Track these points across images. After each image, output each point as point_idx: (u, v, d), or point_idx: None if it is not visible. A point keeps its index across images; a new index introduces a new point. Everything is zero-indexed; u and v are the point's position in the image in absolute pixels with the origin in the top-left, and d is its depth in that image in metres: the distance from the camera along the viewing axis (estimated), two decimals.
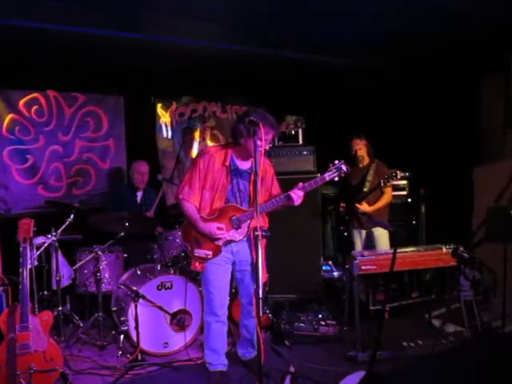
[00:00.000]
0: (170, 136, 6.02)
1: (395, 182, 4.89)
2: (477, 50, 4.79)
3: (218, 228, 3.15)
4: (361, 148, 4.70)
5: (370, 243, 4.60)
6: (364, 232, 4.67)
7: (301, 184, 3.16)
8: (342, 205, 4.69)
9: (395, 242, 3.48)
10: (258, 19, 4.20)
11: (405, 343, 3.79)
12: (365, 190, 4.43)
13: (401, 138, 5.24)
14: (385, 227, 4.44)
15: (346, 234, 4.79)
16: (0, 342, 3.04)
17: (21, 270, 3.12)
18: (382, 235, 4.53)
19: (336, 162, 3.20)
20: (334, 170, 3.18)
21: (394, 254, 2.94)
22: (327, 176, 3.18)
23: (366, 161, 4.72)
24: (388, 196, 4.53)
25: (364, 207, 4.40)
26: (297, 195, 3.13)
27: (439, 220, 5.24)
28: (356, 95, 5.83)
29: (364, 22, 4.23)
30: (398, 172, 4.24)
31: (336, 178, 3.20)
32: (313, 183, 3.17)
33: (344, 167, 3.17)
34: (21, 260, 3.16)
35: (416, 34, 4.46)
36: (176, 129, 6.06)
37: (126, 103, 5.72)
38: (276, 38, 4.72)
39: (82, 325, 4.14)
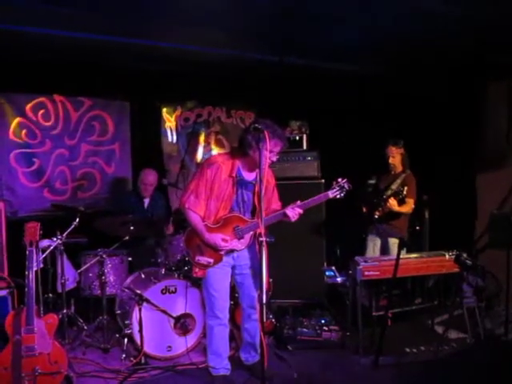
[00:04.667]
0: (175, 141, 6.05)
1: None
2: (479, 55, 4.80)
3: (223, 240, 3.19)
4: (394, 156, 4.62)
5: (385, 252, 4.59)
6: (379, 241, 4.66)
7: (298, 201, 3.19)
8: (365, 208, 4.65)
9: (399, 250, 3.48)
10: (262, 26, 4.24)
11: (407, 349, 3.81)
12: (384, 196, 4.40)
13: (404, 144, 5.24)
14: (393, 236, 4.45)
15: (363, 235, 4.77)
16: (5, 344, 3.07)
17: (27, 273, 3.15)
18: (395, 244, 4.51)
19: (339, 179, 3.25)
20: (337, 188, 3.23)
21: (397, 260, 2.95)
22: (330, 194, 3.25)
23: (398, 169, 4.63)
24: (409, 207, 4.48)
25: (393, 204, 4.35)
26: (293, 213, 3.16)
27: (443, 226, 5.23)
28: (359, 101, 5.85)
29: (366, 28, 4.26)
30: (405, 189, 4.22)
31: (338, 196, 3.25)
32: (311, 201, 3.21)
33: (346, 185, 3.23)
34: (27, 263, 3.19)
35: (417, 40, 4.47)
36: (181, 133, 6.08)
37: (131, 108, 5.75)
38: (280, 44, 4.75)
39: (86, 328, 4.17)
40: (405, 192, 4.20)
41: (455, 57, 4.88)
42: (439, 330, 4.19)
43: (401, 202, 4.38)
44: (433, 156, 5.51)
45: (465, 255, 3.50)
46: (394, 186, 4.46)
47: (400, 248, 3.51)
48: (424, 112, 5.58)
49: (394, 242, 4.53)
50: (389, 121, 5.62)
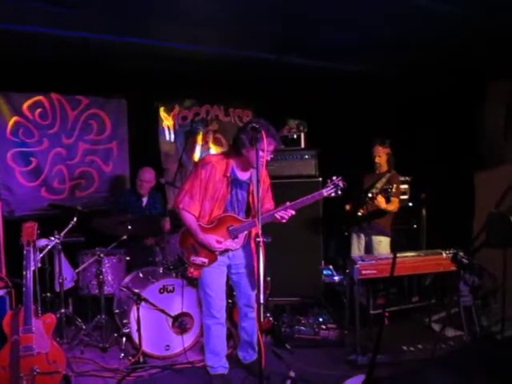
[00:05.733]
0: (172, 139, 6.05)
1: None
2: (479, 55, 4.81)
3: (217, 241, 3.20)
4: (381, 155, 4.63)
5: (369, 251, 4.61)
6: (363, 239, 4.68)
7: (288, 203, 3.20)
8: (349, 206, 4.68)
9: (394, 248, 3.50)
10: (260, 24, 4.23)
11: (404, 347, 3.82)
12: (370, 195, 4.41)
13: (401, 143, 5.25)
14: (384, 234, 4.47)
15: (346, 233, 4.80)
16: (4, 343, 3.08)
17: (24, 272, 3.15)
18: (382, 243, 4.55)
19: (334, 178, 3.26)
20: (332, 186, 3.24)
21: (394, 258, 2.96)
22: (325, 192, 3.26)
23: (384, 169, 4.65)
24: (394, 206, 4.49)
25: (381, 201, 4.34)
26: (280, 215, 3.17)
27: (440, 224, 5.26)
28: (357, 100, 5.86)
29: (364, 28, 4.26)
30: (394, 187, 4.23)
31: (333, 194, 3.25)
32: (303, 201, 3.20)
33: (341, 183, 3.24)
34: (24, 263, 3.19)
35: (417, 39, 4.48)
36: (179, 132, 6.08)
37: (128, 106, 5.76)
38: (278, 43, 4.75)
39: (84, 327, 4.17)
40: (394, 190, 4.21)
41: (455, 57, 4.89)
42: (436, 327, 4.21)
43: (387, 201, 4.40)
44: (431, 154, 5.53)
45: (462, 254, 3.51)
46: (378, 185, 4.46)
47: (394, 246, 3.51)
48: (422, 111, 5.59)
49: (379, 241, 4.55)
50: (387, 120, 5.63)
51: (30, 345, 3.07)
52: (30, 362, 3.04)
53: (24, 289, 3.13)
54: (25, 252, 3.22)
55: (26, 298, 3.10)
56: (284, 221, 3.19)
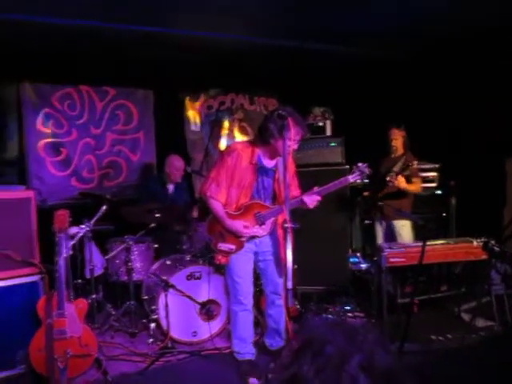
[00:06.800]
0: (198, 128, 6.09)
1: (424, 174, 4.84)
2: (507, 38, 4.66)
3: (245, 227, 3.22)
4: (397, 138, 4.63)
5: (390, 235, 4.56)
6: (385, 226, 4.63)
7: (315, 188, 3.18)
8: (366, 193, 4.65)
9: (423, 235, 3.45)
10: (284, 11, 4.19)
11: (433, 336, 3.78)
12: (387, 179, 4.36)
13: (430, 129, 5.15)
14: (413, 220, 4.40)
15: (368, 222, 4.77)
16: (38, 327, 3.17)
17: (57, 259, 3.23)
18: (404, 227, 4.49)
19: (360, 164, 3.22)
20: (358, 173, 3.21)
21: (424, 246, 2.92)
22: (351, 178, 3.22)
23: (399, 152, 4.64)
24: (416, 186, 4.46)
25: (401, 181, 4.31)
26: (310, 199, 3.15)
27: (470, 212, 5.15)
28: (383, 86, 5.76)
29: (390, 9, 4.17)
30: (413, 163, 4.18)
31: (359, 181, 3.23)
32: (330, 187, 3.19)
33: (367, 170, 3.20)
34: (57, 249, 3.26)
35: (443, 23, 4.36)
36: (204, 121, 6.11)
37: (155, 96, 5.81)
38: (302, 29, 4.70)
39: (114, 312, 4.25)
40: (414, 166, 4.16)
41: (482, 40, 4.74)
42: (466, 317, 4.14)
43: (407, 181, 4.35)
44: (460, 141, 5.41)
45: (493, 242, 3.44)
46: (395, 168, 4.42)
47: (423, 233, 3.47)
48: (451, 96, 5.46)
49: (402, 225, 4.50)
50: (414, 106, 5.53)
51: (63, 328, 3.15)
52: (64, 345, 3.12)
53: (57, 275, 3.20)
54: (57, 239, 3.29)
55: (59, 284, 3.18)
56: (312, 206, 3.18)
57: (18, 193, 3.59)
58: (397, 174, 4.28)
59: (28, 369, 3.26)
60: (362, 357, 0.91)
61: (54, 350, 3.07)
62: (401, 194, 4.43)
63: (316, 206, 3.20)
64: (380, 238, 4.65)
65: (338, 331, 0.98)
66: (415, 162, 4.22)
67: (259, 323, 4.00)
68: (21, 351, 3.29)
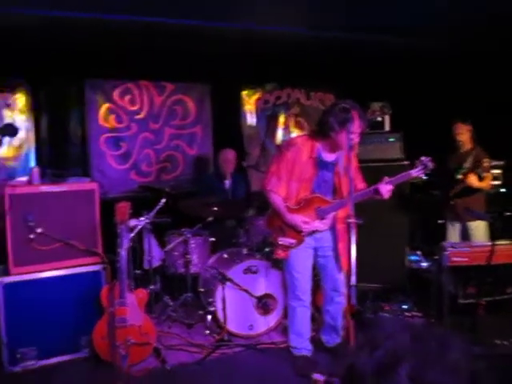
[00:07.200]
0: (254, 123, 6.11)
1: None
2: None
3: (304, 222, 3.19)
4: (463, 133, 4.47)
5: (466, 238, 4.40)
6: (458, 225, 4.47)
7: (386, 178, 3.09)
8: (436, 191, 4.50)
9: (493, 234, 3.30)
10: (341, 3, 4.12)
11: (498, 341, 3.60)
12: (458, 176, 4.21)
13: (494, 125, 4.90)
14: (484, 218, 4.22)
15: (440, 221, 4.61)
16: (101, 315, 3.29)
17: (119, 249, 3.33)
18: (478, 228, 4.31)
19: (423, 158, 3.10)
20: (421, 167, 3.10)
21: (493, 246, 2.79)
22: (413, 172, 3.10)
23: (467, 147, 4.47)
24: (487, 182, 4.27)
25: (473, 180, 4.16)
26: (385, 189, 3.06)
27: None
28: (443, 80, 5.55)
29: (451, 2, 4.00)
30: (485, 161, 4.00)
31: (421, 175, 3.11)
32: (400, 177, 3.09)
33: (430, 164, 3.08)
34: (119, 241, 3.37)
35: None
36: (261, 116, 6.12)
37: (212, 91, 5.87)
38: (359, 22, 4.60)
39: (171, 303, 4.34)
40: (485, 164, 3.98)
41: None
42: None
43: (479, 179, 4.18)
44: None
45: None
46: (467, 164, 4.24)
47: (493, 232, 3.32)
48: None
49: (475, 226, 4.32)
50: (475, 101, 5.29)
51: (125, 317, 3.25)
52: (125, 333, 3.22)
53: (119, 265, 3.31)
54: (119, 230, 3.39)
55: (121, 274, 3.28)
56: (387, 196, 3.08)
57: (84, 185, 3.74)
58: (468, 171, 4.11)
59: (92, 353, 3.40)
60: (416, 364, 0.87)
61: (115, 338, 3.18)
62: (473, 191, 4.27)
63: (390, 197, 3.11)
64: (451, 238, 4.49)
65: (407, 331, 0.95)
66: (487, 159, 4.03)
67: (315, 319, 3.97)
68: (84, 337, 3.43)
